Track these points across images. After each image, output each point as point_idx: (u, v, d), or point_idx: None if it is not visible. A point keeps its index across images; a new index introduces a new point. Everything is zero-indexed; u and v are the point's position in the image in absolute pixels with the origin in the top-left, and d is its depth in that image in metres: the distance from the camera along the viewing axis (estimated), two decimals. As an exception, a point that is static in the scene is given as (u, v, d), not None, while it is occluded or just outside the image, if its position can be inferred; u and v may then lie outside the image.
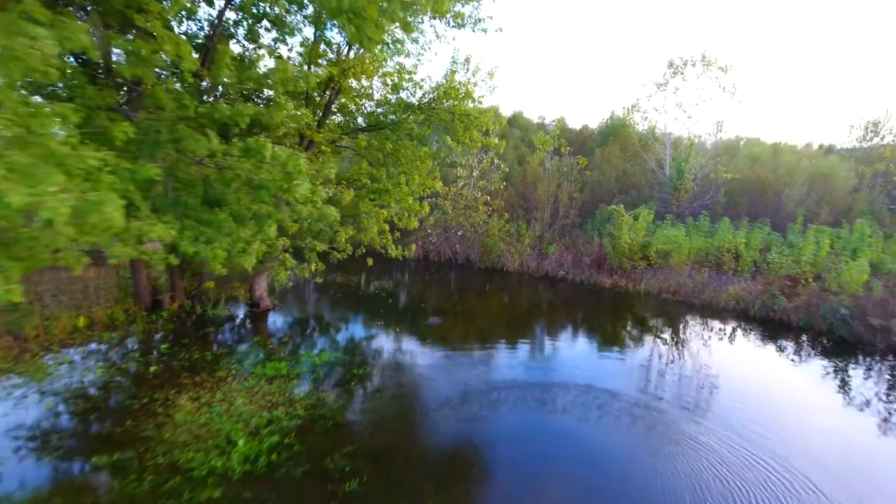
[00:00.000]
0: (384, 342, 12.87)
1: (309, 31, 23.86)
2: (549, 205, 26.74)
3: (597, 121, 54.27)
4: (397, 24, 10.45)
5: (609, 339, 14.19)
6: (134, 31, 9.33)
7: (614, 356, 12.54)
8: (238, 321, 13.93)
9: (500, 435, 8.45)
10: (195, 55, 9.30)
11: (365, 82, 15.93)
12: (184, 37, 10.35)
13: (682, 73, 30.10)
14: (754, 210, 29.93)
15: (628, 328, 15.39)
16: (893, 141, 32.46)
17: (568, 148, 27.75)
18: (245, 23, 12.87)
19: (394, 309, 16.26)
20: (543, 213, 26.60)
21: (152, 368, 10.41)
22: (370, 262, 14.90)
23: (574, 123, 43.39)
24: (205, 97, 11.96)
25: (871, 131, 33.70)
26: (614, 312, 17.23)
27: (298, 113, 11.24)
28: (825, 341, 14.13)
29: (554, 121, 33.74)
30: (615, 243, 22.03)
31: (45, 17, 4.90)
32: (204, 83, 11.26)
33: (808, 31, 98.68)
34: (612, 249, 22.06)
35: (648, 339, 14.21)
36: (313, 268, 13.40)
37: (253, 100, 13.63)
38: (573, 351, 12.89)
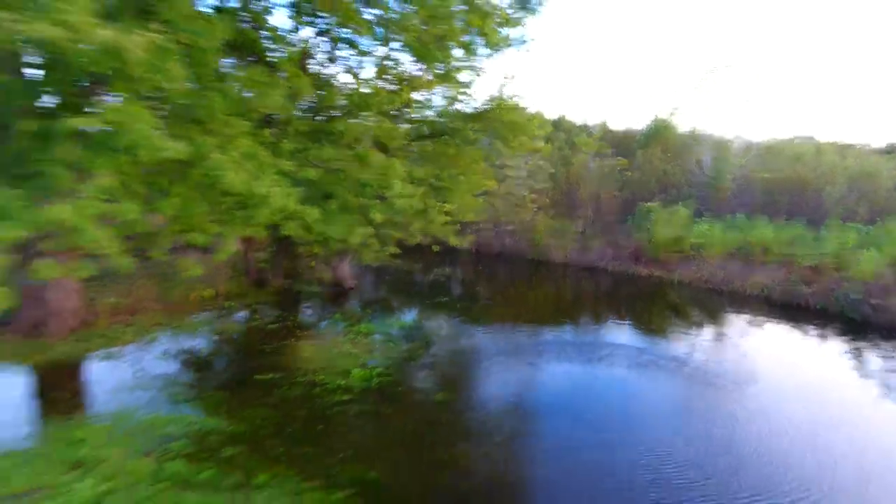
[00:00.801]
0: (448, 315, 15.54)
1: (373, 49, 26.66)
2: (592, 202, 28.91)
3: (640, 123, 55.35)
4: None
5: (642, 315, 16.48)
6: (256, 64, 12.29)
7: (646, 327, 14.84)
8: (327, 296, 16.90)
9: (545, 372, 11.11)
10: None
11: (426, 95, 18.64)
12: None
13: (723, 76, 31.68)
14: (794, 208, 31.09)
15: (660, 308, 17.60)
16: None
17: (610, 150, 29.86)
18: (324, 46, 15.67)
19: (454, 290, 18.94)
20: (586, 211, 28.79)
21: (272, 326, 13.43)
22: (436, 248, 17.60)
23: (617, 126, 44.99)
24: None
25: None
26: (648, 297, 19.42)
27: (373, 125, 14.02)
28: (836, 321, 15.98)
29: (596, 124, 35.80)
30: (652, 237, 24.07)
31: (266, 78, 7.82)
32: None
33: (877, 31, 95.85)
34: (650, 243, 24.12)
35: (677, 316, 16.43)
36: (392, 251, 16.15)
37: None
38: (609, 323, 15.28)
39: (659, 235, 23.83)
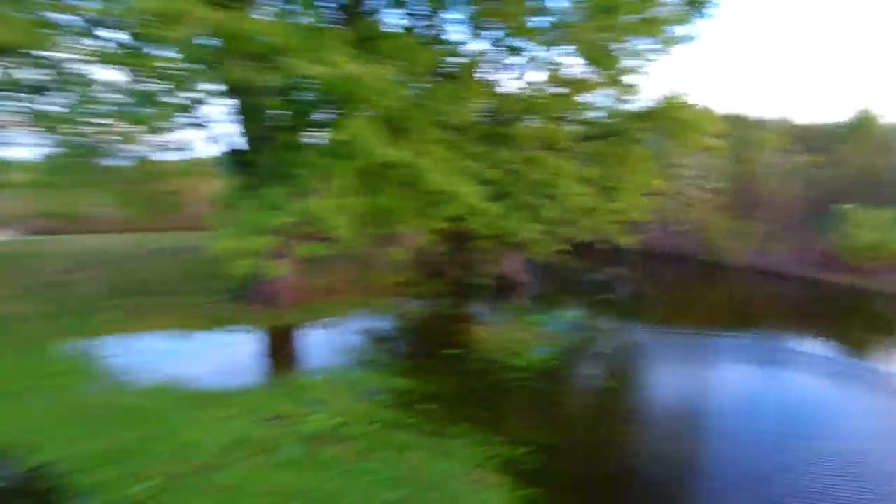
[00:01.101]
0: (615, 312, 15.89)
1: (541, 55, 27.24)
2: (773, 202, 26.68)
3: (832, 115, 48.91)
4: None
5: (834, 325, 15.24)
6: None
7: (839, 338, 13.76)
8: (498, 288, 18.16)
9: (718, 373, 11.24)
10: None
11: (593, 96, 18.89)
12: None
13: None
14: None
15: (856, 319, 16.09)
16: None
17: (795, 145, 27.27)
18: (493, 55, 16.67)
19: (621, 289, 19.06)
20: (766, 211, 26.65)
21: (449, 312, 15.03)
22: (604, 247, 17.95)
23: (804, 119, 40.42)
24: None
25: None
26: (841, 307, 17.77)
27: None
28: None
29: (777, 118, 32.66)
30: (849, 242, 21.60)
31: (453, 92, 9.17)
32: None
33: None
34: (845, 248, 21.68)
35: (880, 328, 14.93)
36: (560, 248, 16.79)
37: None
38: (793, 330, 14.48)
39: (858, 240, 21.33)
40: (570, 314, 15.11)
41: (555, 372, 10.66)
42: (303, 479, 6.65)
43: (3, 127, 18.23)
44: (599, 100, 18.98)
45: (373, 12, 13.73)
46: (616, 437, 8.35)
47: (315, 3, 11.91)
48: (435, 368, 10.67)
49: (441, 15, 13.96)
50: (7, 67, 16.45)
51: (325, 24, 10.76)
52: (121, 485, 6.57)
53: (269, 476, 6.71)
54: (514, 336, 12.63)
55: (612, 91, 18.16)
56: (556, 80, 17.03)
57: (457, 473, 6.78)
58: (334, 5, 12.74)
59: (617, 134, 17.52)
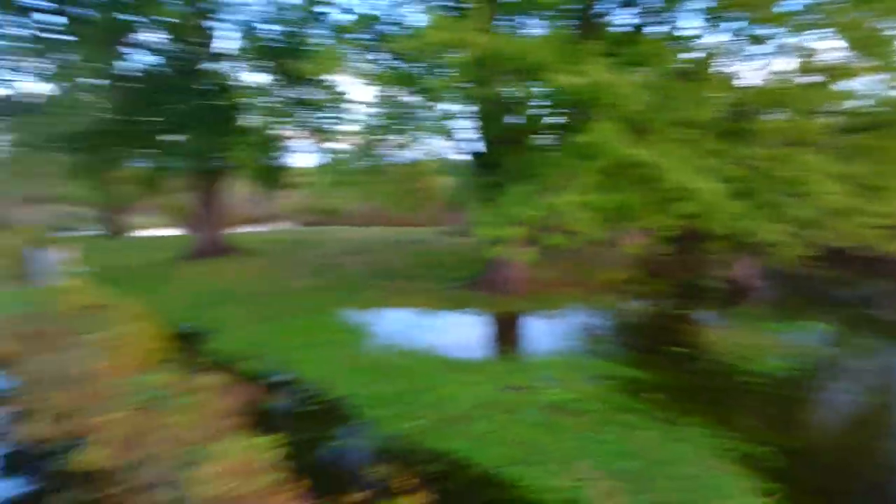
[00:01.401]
0: (875, 328, 13.94)
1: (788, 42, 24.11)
2: None
3: None
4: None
5: None
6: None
7: None
8: (728, 293, 17.25)
9: None
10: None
11: (854, 84, 16.53)
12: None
13: None
14: None
15: None
16: None
17: None
18: (730, 45, 15.56)
19: (884, 304, 16.46)
20: None
21: (673, 312, 14.90)
22: (863, 254, 15.77)
23: None
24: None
25: None
26: None
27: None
28: None
29: None
30: None
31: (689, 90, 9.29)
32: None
33: None
34: None
35: None
36: (805, 253, 15.20)
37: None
38: None
39: None
40: (816, 326, 13.67)
41: (796, 381, 10.03)
42: (542, 437, 7.64)
43: (291, 138, 23.07)
44: (864, 87, 16.69)
45: (604, 14, 14.17)
46: (869, 453, 7.71)
47: (554, 16, 12.87)
48: (661, 364, 10.80)
49: (673, 10, 13.78)
50: (299, 92, 20.84)
51: (567, 34, 11.58)
52: (396, 421, 8.35)
53: (513, 431, 7.84)
54: (748, 341, 12.02)
55: (882, 77, 15.84)
56: (808, 68, 15.46)
57: (691, 457, 7.07)
58: (571, 14, 13.51)
59: (887, 125, 15.28)
